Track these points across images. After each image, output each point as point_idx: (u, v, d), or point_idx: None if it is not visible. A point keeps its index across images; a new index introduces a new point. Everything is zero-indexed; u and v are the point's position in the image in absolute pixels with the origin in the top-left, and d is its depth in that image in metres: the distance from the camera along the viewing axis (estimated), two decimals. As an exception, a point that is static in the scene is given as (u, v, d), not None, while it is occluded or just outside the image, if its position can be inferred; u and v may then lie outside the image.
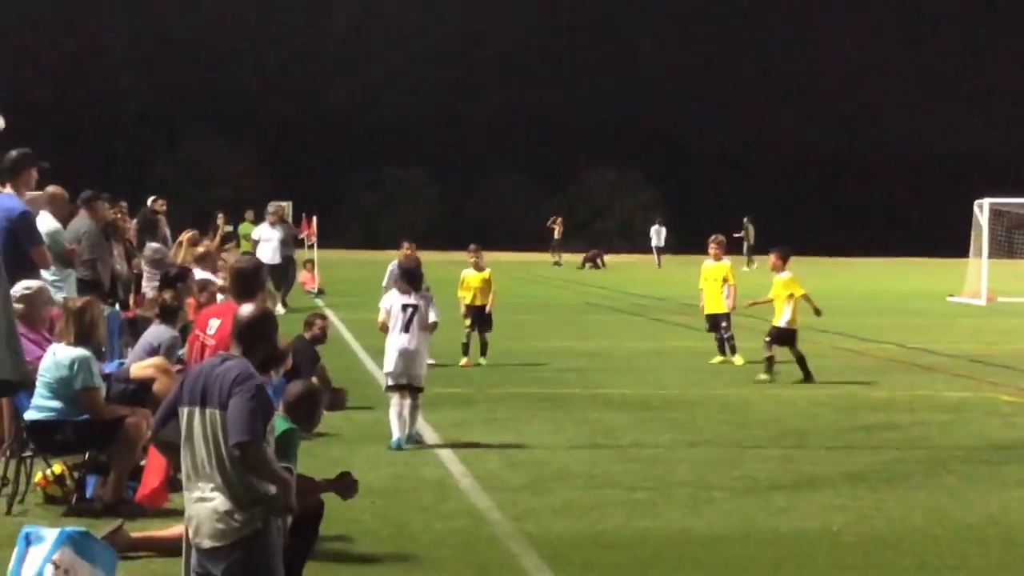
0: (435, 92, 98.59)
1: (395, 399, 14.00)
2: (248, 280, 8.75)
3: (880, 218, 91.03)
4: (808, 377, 19.36)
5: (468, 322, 21.52)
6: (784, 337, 19.77)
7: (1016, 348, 24.61)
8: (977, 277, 40.48)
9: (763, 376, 19.53)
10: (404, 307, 14.11)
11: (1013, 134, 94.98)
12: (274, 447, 7.09)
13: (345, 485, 8.50)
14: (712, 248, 22.45)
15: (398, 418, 13.89)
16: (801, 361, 19.54)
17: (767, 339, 19.84)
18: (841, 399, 18.03)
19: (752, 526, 10.72)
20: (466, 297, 21.59)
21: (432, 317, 14.24)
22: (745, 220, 62.74)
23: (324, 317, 16.93)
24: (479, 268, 21.81)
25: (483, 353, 21.42)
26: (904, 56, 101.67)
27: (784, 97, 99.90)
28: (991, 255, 41.58)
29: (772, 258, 20.75)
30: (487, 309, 21.54)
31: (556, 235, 64.79)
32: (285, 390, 8.73)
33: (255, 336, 7.04)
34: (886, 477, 12.68)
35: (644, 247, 70.99)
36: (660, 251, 64.37)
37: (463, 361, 21.26)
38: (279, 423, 7.77)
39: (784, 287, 20.05)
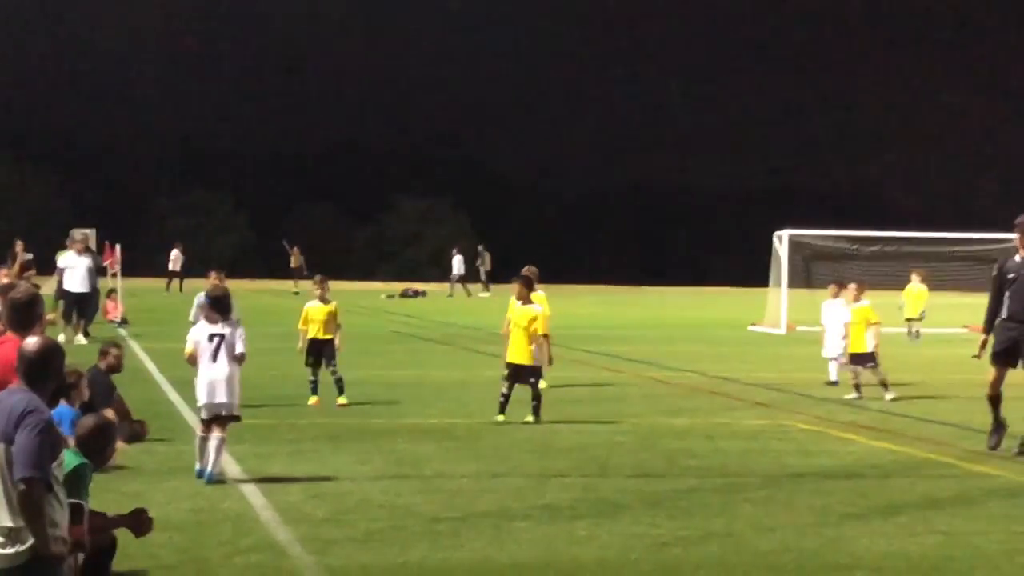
0: (244, 119, 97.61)
1: (200, 427, 13.82)
2: (25, 311, 8.45)
3: (684, 248, 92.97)
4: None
5: (310, 358, 20.38)
6: None
7: (812, 376, 25.30)
8: (777, 307, 41.57)
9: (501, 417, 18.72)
10: (211, 336, 13.91)
11: (812, 169, 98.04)
12: (64, 482, 6.95)
13: (139, 521, 8.34)
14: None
15: (202, 446, 13.71)
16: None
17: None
18: (643, 428, 18.32)
19: (553, 555, 10.81)
20: (310, 330, 20.50)
21: (240, 348, 13.95)
22: (480, 247, 64.73)
23: (119, 345, 16.56)
24: (324, 300, 20.71)
25: (341, 391, 20.20)
26: (700, 92, 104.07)
27: (590, 129, 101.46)
28: (791, 285, 42.72)
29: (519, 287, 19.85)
30: (336, 343, 20.45)
31: (293, 263, 63.73)
32: (78, 423, 8.53)
33: (42, 370, 6.89)
34: (684, 505, 12.91)
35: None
36: (464, 279, 64.27)
37: (312, 400, 20.21)
38: (70, 458, 7.59)
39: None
